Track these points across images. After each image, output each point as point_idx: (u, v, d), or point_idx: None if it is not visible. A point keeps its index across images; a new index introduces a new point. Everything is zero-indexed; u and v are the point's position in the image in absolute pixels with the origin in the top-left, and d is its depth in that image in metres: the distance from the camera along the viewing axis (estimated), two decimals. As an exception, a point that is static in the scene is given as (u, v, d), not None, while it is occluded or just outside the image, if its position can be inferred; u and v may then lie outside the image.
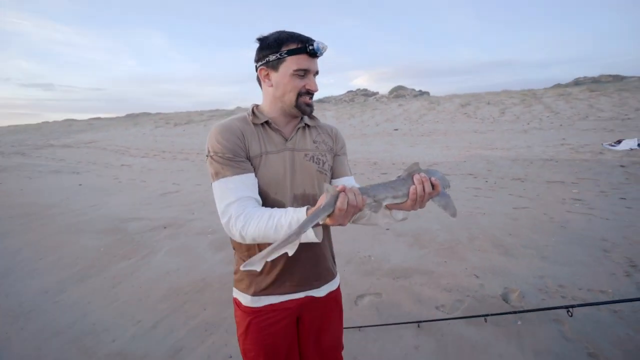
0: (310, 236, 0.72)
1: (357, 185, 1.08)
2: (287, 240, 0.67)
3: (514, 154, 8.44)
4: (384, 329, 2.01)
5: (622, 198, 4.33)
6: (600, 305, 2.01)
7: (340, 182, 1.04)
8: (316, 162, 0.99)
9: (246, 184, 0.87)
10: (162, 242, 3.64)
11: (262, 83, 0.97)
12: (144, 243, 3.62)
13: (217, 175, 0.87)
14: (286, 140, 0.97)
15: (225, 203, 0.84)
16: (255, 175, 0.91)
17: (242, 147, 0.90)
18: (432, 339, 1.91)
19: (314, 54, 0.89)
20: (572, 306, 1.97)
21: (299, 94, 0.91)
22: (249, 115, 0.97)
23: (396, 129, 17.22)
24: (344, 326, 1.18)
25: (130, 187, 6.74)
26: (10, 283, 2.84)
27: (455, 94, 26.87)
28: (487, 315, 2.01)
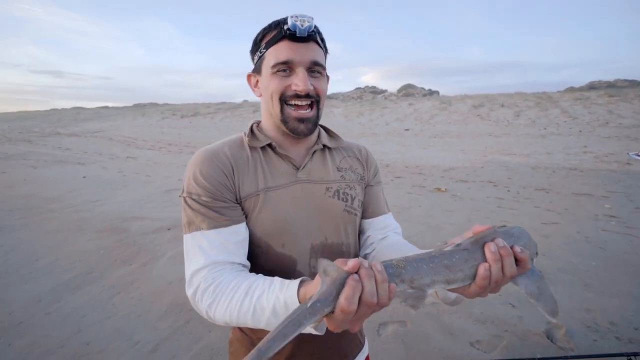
0: (308, 330, 0.46)
1: (395, 226, 0.79)
2: None
3: (534, 160, 8.07)
4: (414, 369, 1.75)
5: (661, 216, 3.99)
6: (668, 354, 1.74)
7: (375, 224, 0.77)
8: (342, 199, 0.72)
9: (226, 242, 0.62)
10: (165, 245, 3.42)
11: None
12: (146, 246, 3.40)
13: (190, 227, 0.63)
14: (297, 169, 0.70)
15: (193, 269, 0.60)
16: (249, 224, 0.65)
17: (228, 186, 0.65)
18: (472, 386, 1.65)
19: (293, 36, 0.61)
20: (636, 354, 1.68)
21: (284, 101, 0.64)
22: (246, 135, 0.71)
23: (407, 129, 16.85)
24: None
25: (135, 181, 6.54)
26: (1, 287, 2.64)
27: (466, 94, 26.35)
28: (534, 359, 1.74)
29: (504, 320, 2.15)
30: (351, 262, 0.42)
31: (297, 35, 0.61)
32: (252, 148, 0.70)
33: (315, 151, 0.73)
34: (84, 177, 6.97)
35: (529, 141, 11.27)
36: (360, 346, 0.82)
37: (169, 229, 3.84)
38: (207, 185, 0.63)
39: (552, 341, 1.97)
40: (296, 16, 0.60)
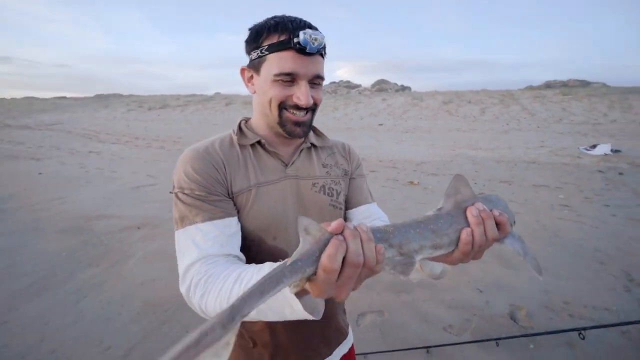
0: (297, 310, 0.43)
1: (381, 215, 0.80)
2: (199, 344, 0.30)
3: (498, 155, 8.58)
4: (391, 355, 1.83)
5: (606, 205, 4.42)
6: (614, 327, 1.96)
7: (361, 212, 0.79)
8: (328, 194, 0.75)
9: (220, 234, 0.62)
10: (136, 245, 3.26)
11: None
12: (113, 247, 3.22)
13: (183, 222, 0.63)
14: (286, 165, 0.72)
15: (186, 263, 0.59)
16: (241, 218, 0.66)
17: (220, 180, 0.65)
18: (445, 368, 1.76)
19: (302, 50, 0.61)
20: (584, 328, 1.86)
21: (283, 107, 0.66)
22: (234, 133, 0.72)
23: (381, 124, 17.20)
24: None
25: (99, 178, 6.14)
26: (-53, 297, 2.39)
27: (436, 90, 27.32)
28: (499, 339, 1.88)
29: (473, 304, 2.30)
30: (334, 223, 0.39)
31: (307, 51, 0.61)
32: (241, 146, 0.71)
33: (302, 149, 0.75)
34: (40, 173, 6.43)
35: (493, 136, 11.95)
36: (345, 335, 0.85)
37: (138, 228, 3.66)
38: (200, 180, 0.63)
39: (515, 321, 2.14)
40: (309, 33, 0.60)
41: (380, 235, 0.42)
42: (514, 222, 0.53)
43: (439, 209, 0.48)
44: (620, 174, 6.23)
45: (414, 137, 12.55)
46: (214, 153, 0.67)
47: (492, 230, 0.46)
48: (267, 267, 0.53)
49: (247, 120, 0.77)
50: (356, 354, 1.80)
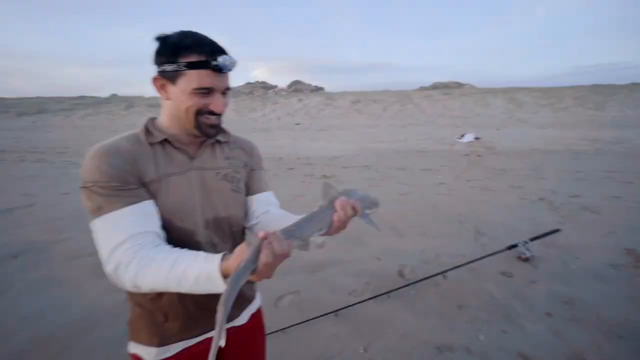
0: (222, 289, 0.63)
1: (276, 203, 1.01)
2: (221, 325, 0.58)
3: (396, 146, 9.92)
4: (305, 325, 2.08)
5: (468, 180, 5.66)
6: (463, 266, 2.62)
7: (258, 199, 0.97)
8: (229, 181, 0.89)
9: (142, 215, 0.71)
10: (12, 277, 2.76)
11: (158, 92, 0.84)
12: (-20, 282, 2.67)
13: (100, 211, 0.69)
14: (192, 158, 0.84)
15: (111, 246, 0.67)
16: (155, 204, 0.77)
17: (132, 172, 0.73)
18: (349, 323, 2.10)
19: (220, 70, 0.75)
20: (445, 271, 2.49)
21: (200, 113, 0.77)
22: (142, 133, 0.81)
23: (297, 124, 17.75)
24: (267, 332, 1.12)
25: (-55, 205, 4.83)
26: None
27: (345, 91, 29.52)
28: (389, 292, 2.34)
29: (372, 270, 2.75)
30: (261, 233, 0.61)
31: (223, 71, 0.75)
32: (150, 144, 0.79)
33: (208, 145, 0.87)
34: None
35: (393, 131, 13.68)
36: (250, 300, 1.00)
37: (14, 257, 3.09)
38: (114, 173, 0.70)
39: (402, 277, 2.65)
40: (227, 59, 0.74)
41: (288, 233, 0.66)
42: (377, 203, 0.85)
43: (320, 206, 0.77)
44: (478, 156, 8.00)
45: (328, 134, 13.41)
46: (123, 150, 0.74)
47: (350, 212, 0.75)
48: (202, 259, 0.66)
49: (154, 120, 0.83)
50: (275, 330, 1.99)
